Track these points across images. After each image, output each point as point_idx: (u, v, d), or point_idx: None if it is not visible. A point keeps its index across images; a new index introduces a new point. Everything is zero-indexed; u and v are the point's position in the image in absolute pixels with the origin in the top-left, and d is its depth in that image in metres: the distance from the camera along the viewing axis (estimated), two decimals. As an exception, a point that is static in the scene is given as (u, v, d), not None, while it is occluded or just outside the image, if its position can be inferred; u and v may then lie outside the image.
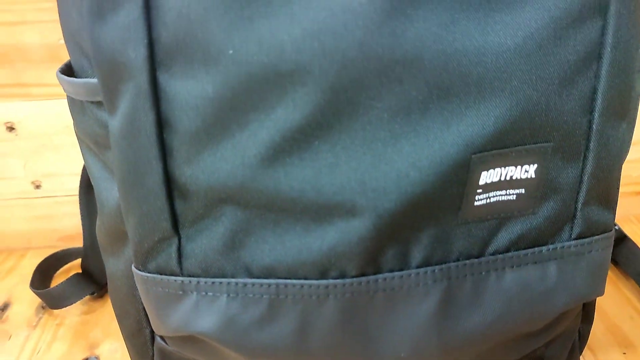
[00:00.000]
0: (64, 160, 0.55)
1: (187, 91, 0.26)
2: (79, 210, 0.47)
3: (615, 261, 0.51)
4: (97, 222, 0.34)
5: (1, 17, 0.50)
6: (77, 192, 0.56)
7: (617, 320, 0.46)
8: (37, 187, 0.56)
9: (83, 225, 0.48)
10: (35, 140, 0.54)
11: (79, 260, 0.56)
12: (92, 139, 0.31)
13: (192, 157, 0.27)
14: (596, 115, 0.28)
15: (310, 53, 0.24)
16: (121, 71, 0.26)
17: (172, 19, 0.25)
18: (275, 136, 0.26)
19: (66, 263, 0.55)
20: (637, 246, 0.50)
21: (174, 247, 0.29)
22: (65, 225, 0.58)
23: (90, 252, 0.50)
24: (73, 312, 0.50)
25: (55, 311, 0.50)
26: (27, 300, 0.51)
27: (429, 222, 0.28)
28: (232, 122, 0.26)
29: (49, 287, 0.52)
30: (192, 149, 0.26)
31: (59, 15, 0.30)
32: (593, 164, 0.29)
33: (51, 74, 0.52)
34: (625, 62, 0.28)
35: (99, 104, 0.29)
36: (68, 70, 0.31)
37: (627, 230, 0.57)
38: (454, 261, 0.29)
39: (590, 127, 0.28)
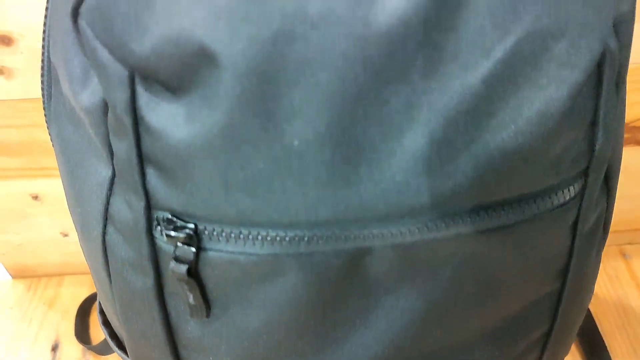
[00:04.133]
0: (87, 219, 0.62)
1: None
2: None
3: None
4: None
5: (18, 122, 0.53)
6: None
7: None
8: (65, 235, 0.63)
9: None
10: (58, 204, 0.60)
11: (110, 293, 0.65)
12: None
13: None
14: None
15: None
16: None
17: None
18: None
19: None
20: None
21: None
22: (93, 259, 0.66)
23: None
24: (114, 355, 0.60)
25: (99, 357, 0.60)
26: (73, 340, 0.62)
27: None
28: None
29: (89, 324, 0.62)
30: None
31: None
32: None
33: (68, 160, 0.56)
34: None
35: None
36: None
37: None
38: None
39: None
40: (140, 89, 0.25)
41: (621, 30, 0.26)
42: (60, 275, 0.68)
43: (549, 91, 0.24)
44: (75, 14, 0.24)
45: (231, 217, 0.26)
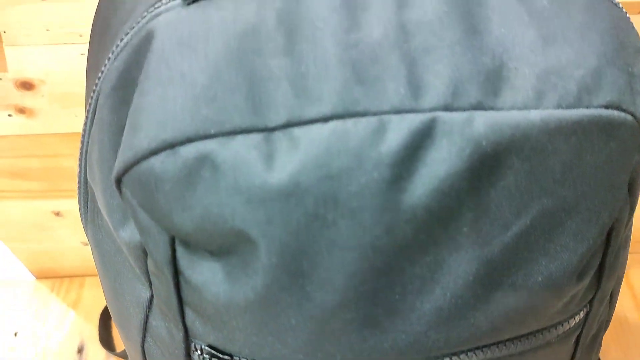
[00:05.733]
0: (107, 232, 0.64)
1: None
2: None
3: None
4: None
5: (39, 152, 0.55)
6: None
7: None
8: (86, 244, 0.66)
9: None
10: (78, 220, 0.63)
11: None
12: None
13: None
14: None
15: None
16: None
17: None
18: None
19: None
20: None
21: None
22: (113, 263, 0.69)
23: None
24: None
25: None
26: (97, 342, 0.65)
27: None
28: None
29: (111, 329, 0.66)
30: None
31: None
32: None
33: (88, 183, 0.58)
34: None
35: None
36: None
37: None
38: None
39: None
40: (180, 249, 0.26)
41: (635, 180, 0.27)
42: (81, 277, 0.71)
43: (560, 258, 0.26)
44: (119, 181, 0.26)
45: (264, 356, 0.28)
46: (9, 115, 0.51)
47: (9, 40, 0.45)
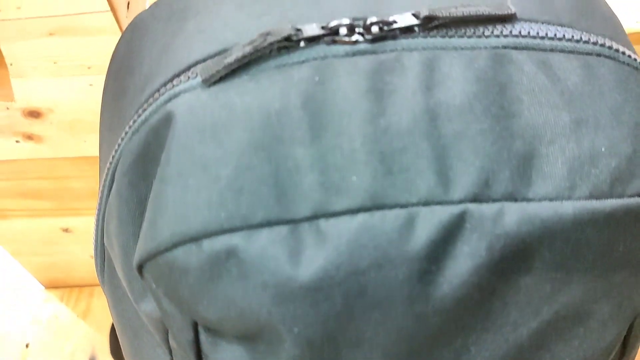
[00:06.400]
0: (117, 246, 0.64)
1: None
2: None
3: None
4: None
5: (48, 175, 0.54)
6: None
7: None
8: (96, 257, 0.66)
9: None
10: (88, 235, 0.62)
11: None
12: None
13: None
14: None
15: None
16: None
17: None
18: None
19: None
20: None
21: None
22: (122, 273, 0.69)
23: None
24: (148, 371, 0.65)
25: (135, 373, 0.65)
26: (108, 353, 0.66)
27: None
28: None
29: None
30: None
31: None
32: None
33: (94, 203, 0.58)
34: None
35: None
36: None
37: None
38: None
39: None
40: (203, 332, 0.26)
41: None
42: (91, 286, 0.71)
43: (590, 341, 0.26)
44: (140, 268, 0.25)
45: None
46: (17, 141, 0.50)
47: (16, 72, 0.44)
